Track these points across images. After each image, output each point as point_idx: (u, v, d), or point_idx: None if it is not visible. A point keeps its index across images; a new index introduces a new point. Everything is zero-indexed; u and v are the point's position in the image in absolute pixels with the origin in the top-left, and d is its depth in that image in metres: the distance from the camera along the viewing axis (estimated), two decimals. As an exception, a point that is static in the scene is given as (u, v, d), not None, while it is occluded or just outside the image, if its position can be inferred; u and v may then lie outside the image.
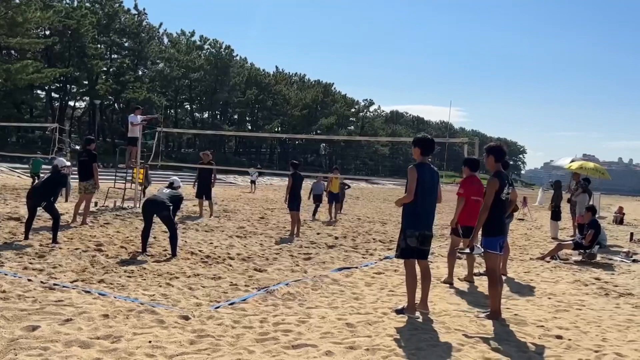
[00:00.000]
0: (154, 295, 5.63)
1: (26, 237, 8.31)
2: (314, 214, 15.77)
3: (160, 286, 6.04)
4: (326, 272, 7.43)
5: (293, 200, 11.46)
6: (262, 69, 68.67)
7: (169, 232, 8.03)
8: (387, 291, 6.52)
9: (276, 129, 66.36)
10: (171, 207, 8.00)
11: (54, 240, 8.20)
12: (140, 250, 7.98)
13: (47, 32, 42.14)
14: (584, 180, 13.90)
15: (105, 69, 47.88)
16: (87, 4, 46.28)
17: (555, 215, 13.99)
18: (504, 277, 7.18)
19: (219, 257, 8.11)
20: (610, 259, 10.07)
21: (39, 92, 46.11)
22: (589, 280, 7.95)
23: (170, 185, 8.53)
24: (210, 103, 62.00)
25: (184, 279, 6.49)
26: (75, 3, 45.54)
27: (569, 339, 4.95)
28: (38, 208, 8.52)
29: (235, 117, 68.07)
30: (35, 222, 8.79)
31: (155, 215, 8.02)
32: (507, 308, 5.91)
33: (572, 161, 14.82)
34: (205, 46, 60.74)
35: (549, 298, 6.66)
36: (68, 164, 9.75)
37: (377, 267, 8.10)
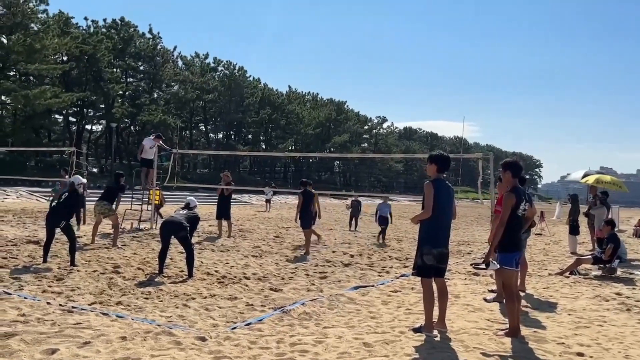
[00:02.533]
0: (171, 316, 5.65)
1: (44, 260, 8.40)
2: (379, 237, 14.39)
3: (177, 307, 6.06)
4: (342, 291, 7.40)
5: (305, 218, 11.47)
6: (275, 88, 69.32)
7: (186, 253, 8.07)
8: (404, 309, 6.47)
9: (290, 148, 66.70)
10: (188, 228, 8.06)
11: (72, 262, 8.28)
12: (157, 272, 8.02)
13: (65, 58, 43.02)
14: (601, 194, 13.72)
15: (121, 92, 48.63)
16: (103, 29, 47.32)
17: (574, 230, 13.82)
18: (522, 294, 7.09)
19: (235, 277, 8.12)
20: (631, 273, 9.90)
21: (56, 116, 46.91)
22: (609, 295, 7.81)
23: (187, 206, 8.59)
24: (224, 123, 62.61)
25: (200, 299, 6.51)
26: (92, 29, 46.55)
27: (591, 357, 4.86)
28: (57, 230, 8.60)
29: (250, 136, 68.62)
30: (53, 245, 8.89)
31: (172, 236, 8.08)
32: (527, 325, 5.83)
33: (586, 174, 14.59)
34: (219, 68, 61.58)
35: (569, 314, 6.56)
36: (84, 181, 9.83)
37: (394, 285, 8.05)
